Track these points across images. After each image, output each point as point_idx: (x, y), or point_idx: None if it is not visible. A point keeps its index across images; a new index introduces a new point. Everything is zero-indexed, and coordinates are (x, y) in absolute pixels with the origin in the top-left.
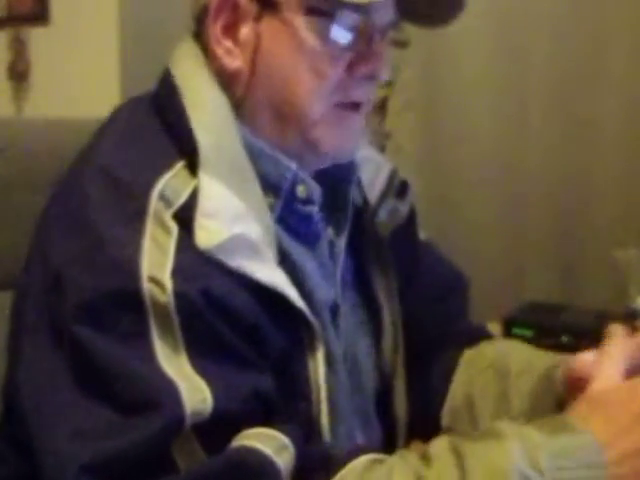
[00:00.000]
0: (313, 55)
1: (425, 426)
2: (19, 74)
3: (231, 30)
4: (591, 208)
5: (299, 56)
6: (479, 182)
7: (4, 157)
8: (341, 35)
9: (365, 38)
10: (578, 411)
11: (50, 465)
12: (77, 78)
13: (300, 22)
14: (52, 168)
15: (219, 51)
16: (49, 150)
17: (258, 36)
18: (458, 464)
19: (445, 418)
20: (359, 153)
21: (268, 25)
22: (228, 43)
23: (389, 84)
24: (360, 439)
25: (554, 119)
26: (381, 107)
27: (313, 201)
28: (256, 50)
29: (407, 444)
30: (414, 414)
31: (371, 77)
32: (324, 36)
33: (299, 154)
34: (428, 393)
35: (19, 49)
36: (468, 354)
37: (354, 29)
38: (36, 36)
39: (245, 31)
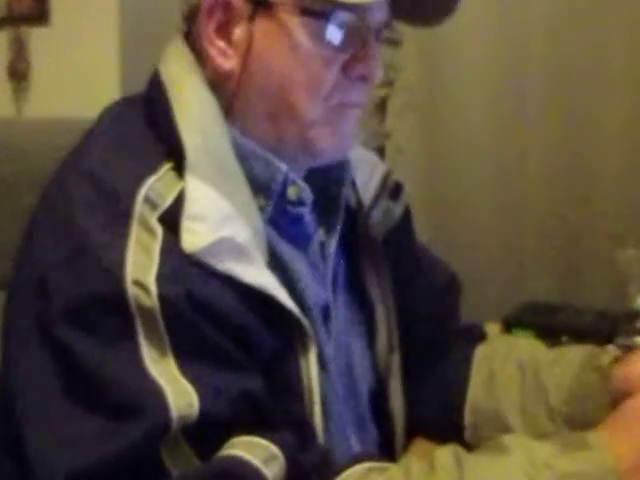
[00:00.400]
0: (308, 57)
1: (443, 423)
2: (19, 74)
3: (224, 30)
4: (591, 208)
5: (294, 58)
6: (479, 182)
7: (4, 157)
8: (336, 36)
9: (359, 39)
10: (605, 426)
11: (38, 472)
12: (77, 78)
13: (295, 23)
14: (52, 168)
15: (212, 51)
16: (49, 150)
17: (252, 36)
18: (459, 476)
19: (468, 417)
20: (353, 154)
21: (262, 26)
22: (221, 43)
23: (389, 84)
24: (354, 441)
25: (554, 119)
26: (381, 107)
27: (304, 202)
28: (249, 51)
29: (406, 445)
30: (431, 413)
31: (366, 78)
32: (319, 37)
33: (294, 154)
34: (443, 393)
35: (19, 49)
36: (481, 350)
37: (349, 30)
38: (36, 36)
39: (238, 32)
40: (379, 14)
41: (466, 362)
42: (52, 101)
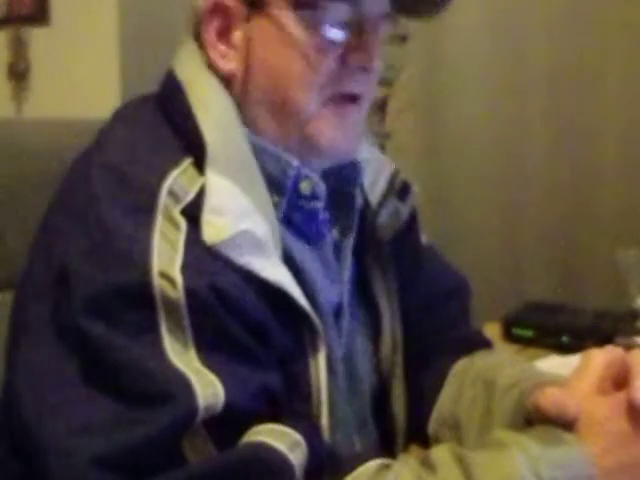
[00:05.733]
0: (304, 49)
1: (416, 430)
2: (19, 74)
3: (225, 34)
4: (591, 208)
5: (290, 51)
6: (479, 182)
7: (4, 157)
8: (331, 27)
9: (356, 29)
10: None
11: (58, 461)
12: (77, 78)
13: (288, 17)
14: (52, 168)
15: (213, 55)
16: (49, 150)
17: (249, 37)
18: (464, 472)
19: (431, 427)
20: (361, 154)
21: (258, 25)
22: (222, 47)
23: (389, 84)
24: (357, 442)
25: (554, 119)
26: (381, 107)
27: (317, 196)
28: (249, 51)
29: (406, 447)
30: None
31: (364, 68)
32: (313, 29)
33: (300, 152)
34: (417, 400)
35: (19, 49)
36: (460, 365)
37: (343, 21)
38: (36, 36)
39: (238, 34)
40: (376, 5)
41: (444, 375)
42: (52, 101)
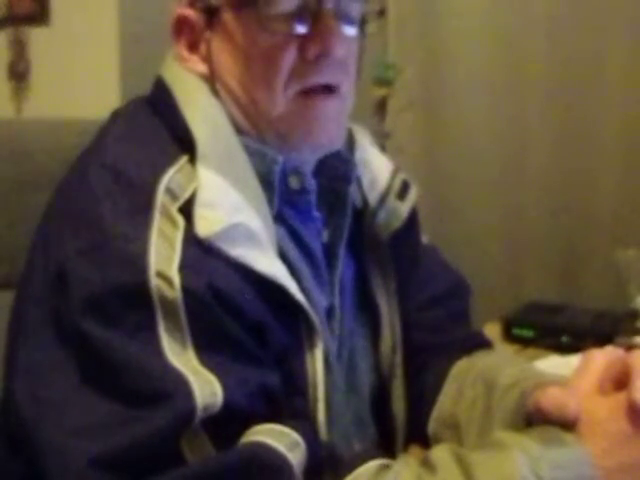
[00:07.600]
0: (258, 49)
1: (416, 430)
2: (19, 74)
3: (195, 46)
4: (591, 208)
5: (246, 54)
6: (479, 182)
7: (4, 157)
8: (275, 20)
9: (309, 20)
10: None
11: (56, 462)
12: (77, 78)
13: (236, 20)
14: (52, 168)
15: (188, 65)
16: (49, 150)
17: (212, 44)
18: (464, 473)
19: (431, 427)
20: (359, 152)
21: (216, 32)
22: (195, 57)
23: (389, 84)
24: (355, 440)
25: (554, 120)
26: (381, 107)
27: (307, 190)
28: (213, 58)
29: (406, 447)
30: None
31: (325, 55)
32: (259, 28)
33: (280, 148)
34: (417, 400)
35: (19, 49)
36: (460, 365)
37: (291, 9)
38: (36, 36)
39: (204, 44)
40: None
41: (445, 375)
42: (52, 101)
